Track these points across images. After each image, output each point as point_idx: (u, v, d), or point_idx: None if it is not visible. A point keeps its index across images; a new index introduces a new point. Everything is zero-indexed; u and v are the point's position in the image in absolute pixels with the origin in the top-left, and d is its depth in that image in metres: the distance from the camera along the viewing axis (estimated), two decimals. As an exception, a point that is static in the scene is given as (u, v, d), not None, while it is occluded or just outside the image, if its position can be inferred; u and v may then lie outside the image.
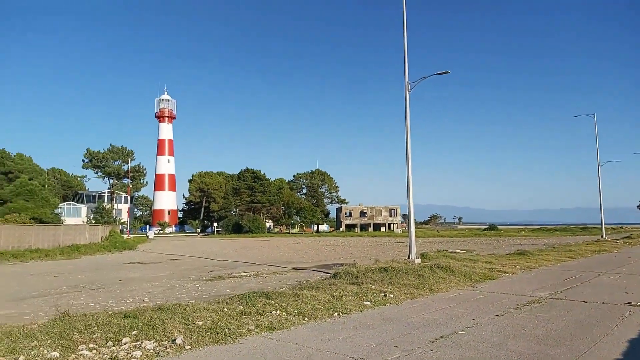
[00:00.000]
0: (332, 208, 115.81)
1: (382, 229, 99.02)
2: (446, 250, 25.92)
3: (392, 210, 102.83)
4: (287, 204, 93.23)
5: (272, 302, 9.57)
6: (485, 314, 8.96)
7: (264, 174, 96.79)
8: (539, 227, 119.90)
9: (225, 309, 8.77)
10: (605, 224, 46.03)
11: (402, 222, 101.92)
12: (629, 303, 10.04)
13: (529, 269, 17.07)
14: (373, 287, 11.78)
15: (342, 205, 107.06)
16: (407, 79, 19.19)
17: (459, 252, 24.80)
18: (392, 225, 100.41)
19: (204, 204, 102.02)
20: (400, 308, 9.70)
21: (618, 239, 39.58)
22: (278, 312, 8.82)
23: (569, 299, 10.75)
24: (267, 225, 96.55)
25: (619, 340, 7.00)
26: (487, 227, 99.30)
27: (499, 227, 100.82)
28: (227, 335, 7.12)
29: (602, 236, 42.27)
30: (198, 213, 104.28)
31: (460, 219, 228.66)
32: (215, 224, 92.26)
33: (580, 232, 70.85)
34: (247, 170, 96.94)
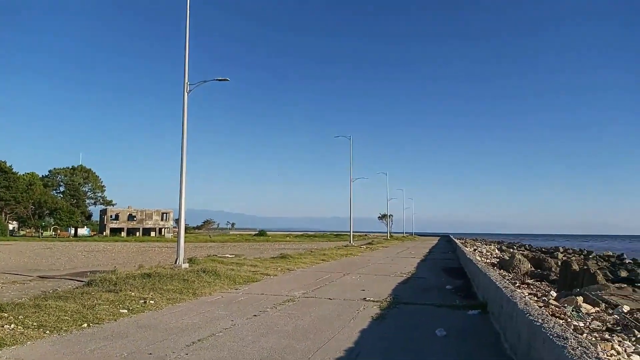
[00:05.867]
0: (95, 210, 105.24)
1: (153, 233, 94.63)
2: (216, 255, 26.23)
3: (165, 215, 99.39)
4: (39, 203, 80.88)
5: (6, 315, 8.24)
6: (243, 315, 9.36)
7: (10, 166, 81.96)
8: (302, 233, 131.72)
9: None
10: (353, 232, 53.47)
11: (174, 227, 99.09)
12: (364, 299, 11.77)
13: (289, 271, 18.54)
14: (133, 294, 11.14)
15: (108, 207, 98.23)
16: (186, 80, 18.86)
17: (227, 257, 25.35)
18: (163, 229, 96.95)
19: None
20: (159, 314, 9.39)
21: (362, 245, 46.18)
22: (12, 325, 7.61)
23: (318, 297, 12.06)
24: (11, 227, 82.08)
25: (353, 331, 8.15)
26: (257, 232, 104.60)
27: (268, 232, 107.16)
28: None
29: (350, 242, 48.77)
30: None
31: (233, 224, 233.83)
32: None
33: (334, 238, 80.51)
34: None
